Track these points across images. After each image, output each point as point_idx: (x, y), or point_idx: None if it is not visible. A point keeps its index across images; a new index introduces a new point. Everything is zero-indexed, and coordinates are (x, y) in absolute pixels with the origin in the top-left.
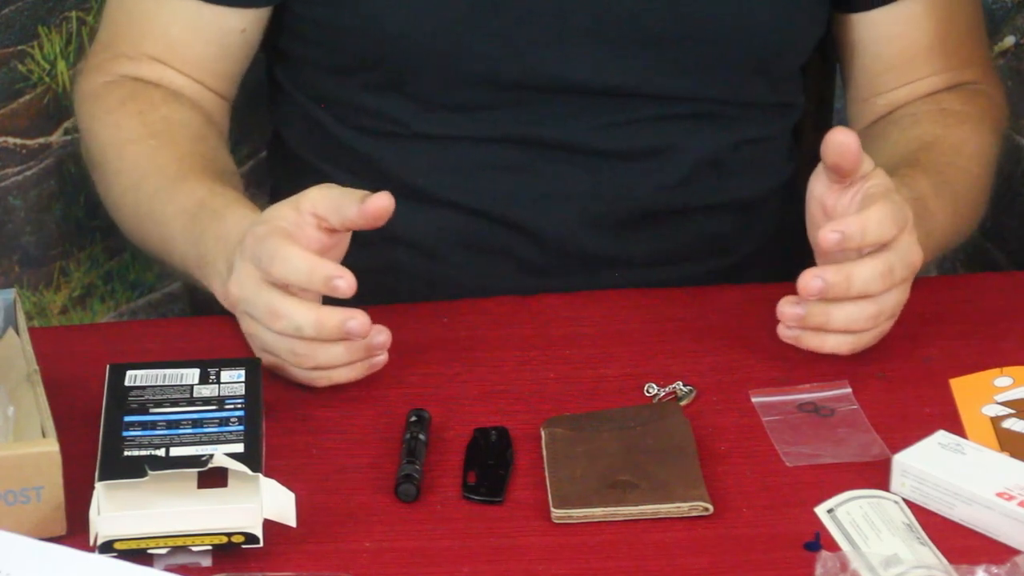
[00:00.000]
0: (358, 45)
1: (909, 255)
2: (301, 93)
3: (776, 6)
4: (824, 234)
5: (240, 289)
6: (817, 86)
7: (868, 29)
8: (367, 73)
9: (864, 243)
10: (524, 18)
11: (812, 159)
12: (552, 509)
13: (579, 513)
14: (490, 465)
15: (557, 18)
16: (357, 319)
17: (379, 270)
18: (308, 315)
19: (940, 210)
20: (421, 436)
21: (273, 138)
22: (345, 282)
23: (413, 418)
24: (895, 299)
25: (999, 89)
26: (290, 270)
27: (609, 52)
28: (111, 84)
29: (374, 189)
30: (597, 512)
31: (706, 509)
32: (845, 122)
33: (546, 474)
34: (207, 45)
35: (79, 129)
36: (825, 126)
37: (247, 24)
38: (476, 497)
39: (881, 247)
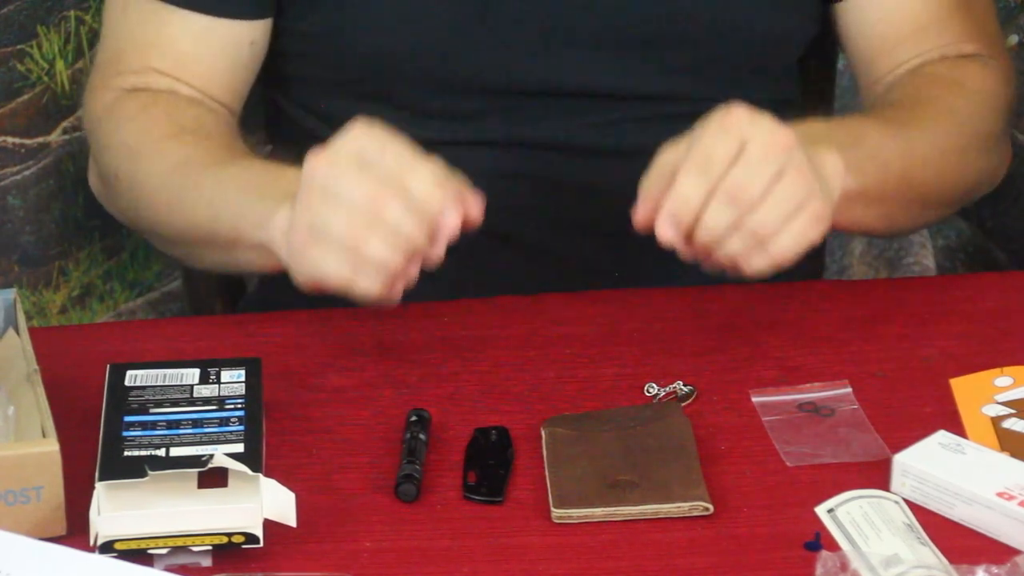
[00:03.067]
0: (345, 60)
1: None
2: (295, 107)
3: (765, 6)
4: (660, 231)
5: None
6: (817, 85)
7: (857, 14)
8: (355, 86)
9: (692, 206)
10: (510, 27)
11: None
12: (552, 509)
13: (579, 513)
14: (490, 465)
15: (543, 26)
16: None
17: None
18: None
19: (880, 134)
20: (421, 436)
21: (271, 152)
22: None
23: (413, 418)
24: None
25: (1004, 59)
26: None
27: (597, 57)
28: (122, 98)
29: None
30: (597, 512)
31: (706, 509)
32: None
33: (546, 474)
34: (217, 59)
35: (95, 149)
36: None
37: (256, 36)
38: (476, 497)
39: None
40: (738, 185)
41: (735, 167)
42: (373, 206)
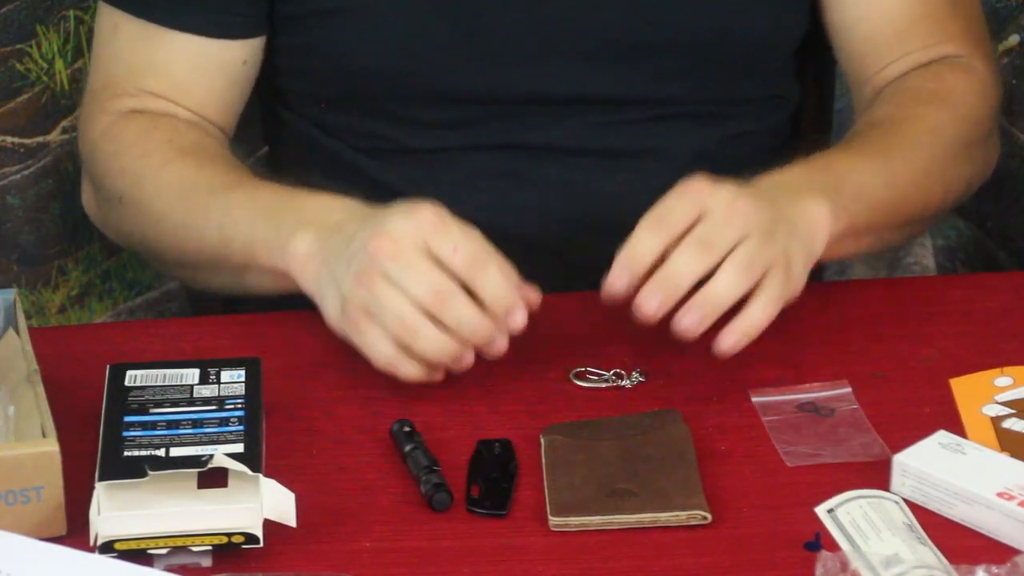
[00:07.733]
0: (337, 77)
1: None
2: (293, 116)
3: (754, 8)
4: (612, 281)
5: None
6: (817, 84)
7: (844, 11)
8: (349, 100)
9: (648, 259)
10: (502, 39)
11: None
12: (550, 517)
13: (576, 521)
14: (494, 479)
15: (535, 36)
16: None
17: None
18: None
19: (862, 169)
20: (422, 442)
21: (268, 154)
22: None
23: (406, 428)
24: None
25: (987, 63)
26: (496, 279)
27: (590, 65)
28: (120, 121)
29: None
30: (595, 520)
31: (704, 518)
32: (845, 123)
33: (544, 482)
34: (213, 80)
35: (95, 174)
36: (825, 125)
37: (248, 55)
38: (480, 511)
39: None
40: (704, 237)
41: (699, 225)
42: (433, 305)
